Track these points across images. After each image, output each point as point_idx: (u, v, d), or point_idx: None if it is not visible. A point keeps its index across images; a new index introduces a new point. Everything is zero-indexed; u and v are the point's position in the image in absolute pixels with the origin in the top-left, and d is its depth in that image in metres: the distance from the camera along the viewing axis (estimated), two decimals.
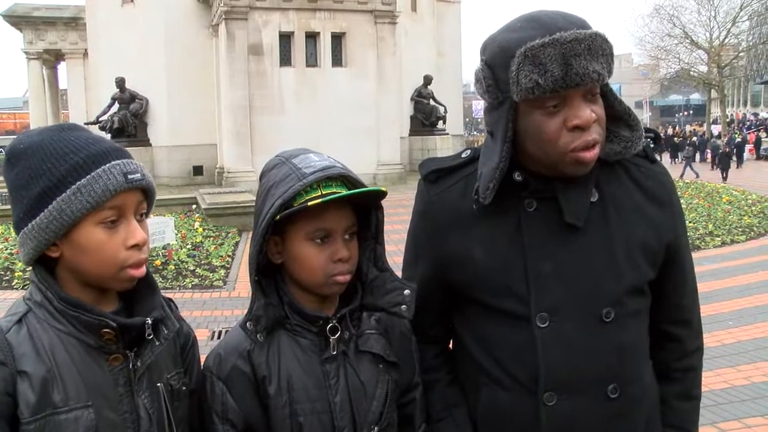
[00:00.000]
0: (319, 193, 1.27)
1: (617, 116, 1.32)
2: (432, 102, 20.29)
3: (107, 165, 1.15)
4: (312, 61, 16.88)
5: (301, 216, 1.28)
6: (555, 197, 1.30)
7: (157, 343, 1.23)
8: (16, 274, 7.99)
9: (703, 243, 9.89)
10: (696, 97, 60.80)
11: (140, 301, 1.25)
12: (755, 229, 11.00)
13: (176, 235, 9.53)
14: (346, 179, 1.31)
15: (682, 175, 20.99)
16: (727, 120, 41.69)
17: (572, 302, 1.30)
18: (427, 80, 20.16)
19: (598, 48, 1.18)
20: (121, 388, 1.19)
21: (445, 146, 19.34)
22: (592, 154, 1.23)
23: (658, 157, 1.47)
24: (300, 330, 1.34)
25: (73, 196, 1.12)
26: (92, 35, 20.89)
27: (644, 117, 60.37)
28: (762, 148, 31.84)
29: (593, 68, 1.18)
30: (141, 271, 1.20)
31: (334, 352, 1.33)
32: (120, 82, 17.86)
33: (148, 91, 18.20)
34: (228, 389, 1.32)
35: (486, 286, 1.34)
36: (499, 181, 1.27)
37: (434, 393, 1.46)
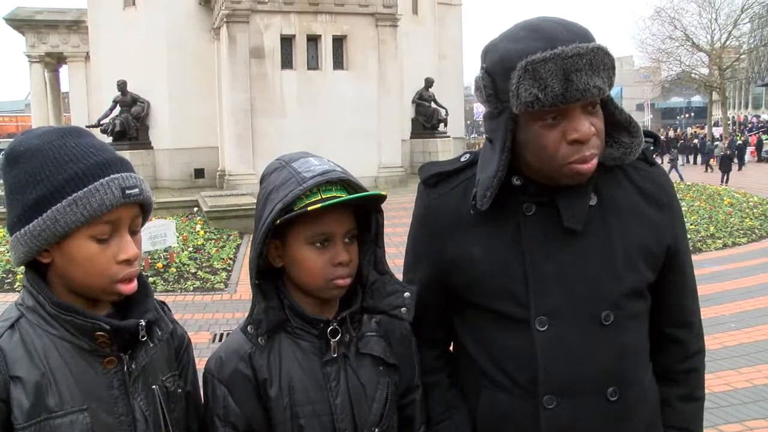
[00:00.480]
0: (319, 198, 1.27)
1: (618, 124, 1.32)
2: (433, 105, 20.28)
3: (106, 179, 1.13)
4: (313, 64, 16.88)
5: (301, 220, 1.28)
6: (554, 201, 1.30)
7: (151, 345, 1.23)
8: (18, 277, 8.00)
9: (704, 245, 9.88)
10: (697, 100, 60.77)
11: (134, 304, 1.24)
12: (757, 231, 10.99)
13: (177, 237, 9.53)
14: (346, 183, 1.31)
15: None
16: (729, 122, 41.65)
17: (571, 305, 1.30)
18: (429, 83, 20.15)
19: (600, 63, 1.18)
20: (116, 391, 1.19)
21: (446, 149, 19.33)
22: (589, 167, 1.23)
23: (658, 160, 1.47)
24: (301, 333, 1.34)
25: (68, 208, 1.11)
26: (94, 38, 20.91)
27: (645, 119, 60.36)
28: (763, 150, 31.83)
29: (594, 83, 1.17)
30: (131, 287, 1.19)
31: (335, 355, 1.34)
32: (121, 85, 17.87)
33: (149, 94, 18.21)
34: (229, 392, 1.33)
35: (485, 290, 1.35)
36: (496, 190, 1.28)
37: (434, 395, 1.46)
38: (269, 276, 1.36)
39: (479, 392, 1.39)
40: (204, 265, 8.88)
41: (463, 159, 1.44)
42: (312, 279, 1.32)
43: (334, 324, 1.34)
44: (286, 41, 16.58)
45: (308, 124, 16.07)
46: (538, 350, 1.30)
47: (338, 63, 17.05)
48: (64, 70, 29.88)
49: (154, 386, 1.24)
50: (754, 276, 7.92)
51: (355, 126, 16.46)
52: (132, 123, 18.02)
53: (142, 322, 1.20)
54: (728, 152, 23.11)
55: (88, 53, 23.52)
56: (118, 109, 18.13)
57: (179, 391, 1.31)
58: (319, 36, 16.72)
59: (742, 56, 40.45)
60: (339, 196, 1.28)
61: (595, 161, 1.24)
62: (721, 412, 4.10)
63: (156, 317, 1.24)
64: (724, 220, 11.75)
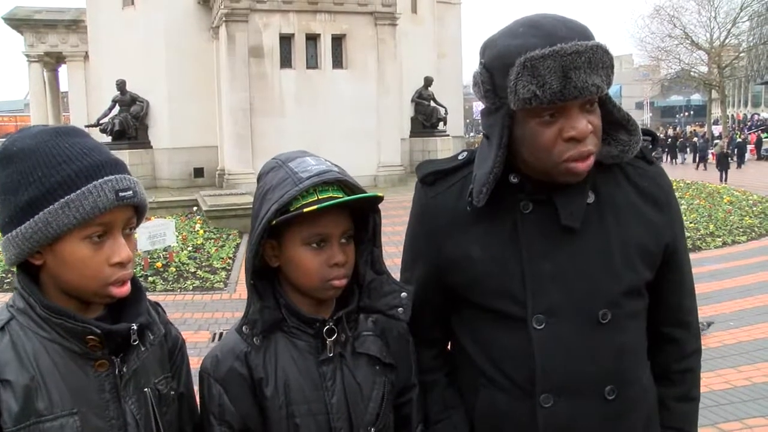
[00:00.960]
0: (316, 198, 1.27)
1: (616, 122, 1.32)
2: (432, 103, 20.28)
3: (99, 181, 1.12)
4: (312, 63, 16.87)
5: (297, 221, 1.27)
6: (551, 199, 1.30)
7: (143, 349, 1.21)
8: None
9: (704, 244, 9.88)
10: (696, 98, 60.72)
11: (126, 307, 1.22)
12: (756, 229, 10.99)
13: (177, 237, 9.53)
14: (343, 183, 1.30)
15: None
16: (728, 121, 41.67)
17: (569, 304, 1.30)
18: (428, 82, 20.15)
19: (599, 61, 1.17)
20: (107, 394, 1.17)
21: (445, 147, 19.32)
22: (585, 165, 1.23)
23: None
24: (297, 332, 1.34)
25: (60, 210, 1.10)
26: (93, 38, 20.90)
27: (645, 118, 60.36)
28: (763, 148, 31.82)
29: (592, 81, 1.17)
30: (124, 290, 1.17)
31: (331, 354, 1.33)
32: (121, 85, 17.86)
33: (148, 93, 18.20)
34: (225, 391, 1.32)
35: (483, 288, 1.35)
36: (492, 186, 1.28)
37: (432, 394, 1.46)
38: (265, 276, 1.35)
39: (477, 391, 1.39)
40: (203, 264, 8.88)
41: (460, 157, 1.44)
42: (308, 279, 1.32)
43: (330, 323, 1.33)
44: (285, 40, 16.57)
45: (307, 123, 16.07)
46: (535, 349, 1.30)
47: (337, 62, 17.04)
48: (63, 70, 29.87)
49: (145, 389, 1.23)
50: (754, 274, 7.92)
51: (354, 125, 16.45)
52: (131, 122, 18.01)
53: (134, 326, 1.18)
54: (726, 150, 23.09)
55: (87, 53, 23.50)
56: (117, 108, 18.12)
57: (172, 393, 1.30)
58: (318, 35, 16.72)
59: (742, 54, 40.41)
60: (335, 197, 1.27)
61: (591, 160, 1.24)
62: (721, 411, 4.10)
63: (148, 321, 1.23)
64: (723, 218, 11.75)
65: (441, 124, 20.45)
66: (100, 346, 1.16)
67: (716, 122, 40.79)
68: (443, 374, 1.48)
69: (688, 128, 46.42)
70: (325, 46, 16.78)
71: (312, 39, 16.79)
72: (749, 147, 31.43)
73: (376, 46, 17.16)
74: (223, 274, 8.43)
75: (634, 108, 60.31)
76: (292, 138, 14.37)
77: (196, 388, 1.39)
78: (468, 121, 61.37)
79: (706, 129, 38.04)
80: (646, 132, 1.40)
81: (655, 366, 1.44)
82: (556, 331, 1.30)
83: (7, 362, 1.11)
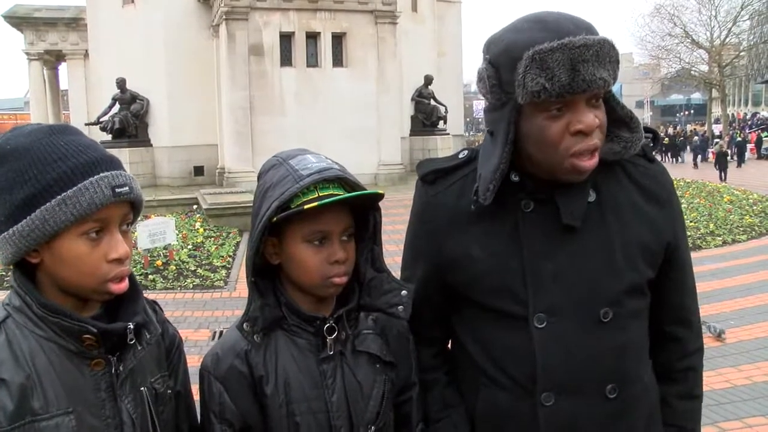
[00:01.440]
0: (316, 195, 1.26)
1: (618, 119, 1.32)
2: (433, 102, 20.27)
3: (95, 177, 1.11)
4: (312, 61, 16.86)
5: (297, 218, 1.27)
6: (552, 198, 1.30)
7: (139, 348, 1.21)
8: None
9: (704, 243, 9.88)
10: (697, 97, 60.73)
11: (123, 305, 1.22)
12: (756, 228, 10.99)
13: (177, 235, 9.53)
14: (344, 181, 1.30)
15: None
16: (728, 120, 41.66)
17: (570, 303, 1.30)
18: (428, 80, 20.14)
19: (606, 55, 1.18)
20: (104, 393, 1.17)
21: (445, 146, 19.32)
22: (591, 163, 1.23)
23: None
24: (297, 330, 1.34)
25: (57, 207, 1.09)
26: (93, 36, 20.89)
27: (645, 117, 60.36)
28: (763, 147, 31.80)
29: (600, 75, 1.17)
30: (122, 287, 1.17)
31: (331, 352, 1.33)
32: (121, 83, 17.85)
33: (148, 91, 18.19)
34: (225, 389, 1.32)
35: (484, 287, 1.34)
36: (499, 182, 1.27)
37: (433, 393, 1.46)
38: (266, 273, 1.35)
39: (478, 390, 1.38)
40: (203, 262, 8.88)
41: (461, 156, 1.43)
42: (309, 277, 1.32)
43: (331, 322, 1.33)
44: (286, 38, 16.56)
45: (307, 121, 16.07)
46: (537, 347, 1.29)
47: (337, 60, 17.03)
48: (63, 68, 29.84)
49: (142, 388, 1.23)
50: (754, 273, 7.92)
51: (354, 123, 16.45)
52: (131, 121, 18.01)
53: (131, 326, 1.18)
54: (725, 149, 23.10)
55: (87, 51, 23.49)
56: (117, 106, 18.12)
57: (168, 392, 1.30)
58: (319, 33, 16.71)
59: (742, 53, 40.44)
60: (336, 194, 1.27)
61: (596, 159, 1.24)
62: (721, 410, 4.10)
63: (145, 320, 1.22)
64: (723, 217, 11.75)
65: (441, 122, 20.45)
66: (97, 345, 1.15)
67: (717, 121, 40.78)
68: (443, 373, 1.48)
69: (689, 127, 46.40)
70: (326, 45, 16.77)
71: (312, 37, 16.78)
72: (749, 146, 31.42)
73: (376, 44, 17.15)
74: (223, 272, 8.43)
75: (635, 106, 60.28)
76: (292, 136, 14.38)
77: (195, 386, 1.39)
78: (468, 119, 61.38)
79: (706, 128, 38.03)
80: (647, 130, 1.40)
81: (657, 365, 1.43)
82: (558, 329, 1.29)
83: (3, 361, 1.11)
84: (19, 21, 27.71)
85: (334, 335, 1.33)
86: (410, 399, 1.44)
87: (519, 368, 1.32)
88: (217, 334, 5.89)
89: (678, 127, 46.48)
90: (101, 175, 1.12)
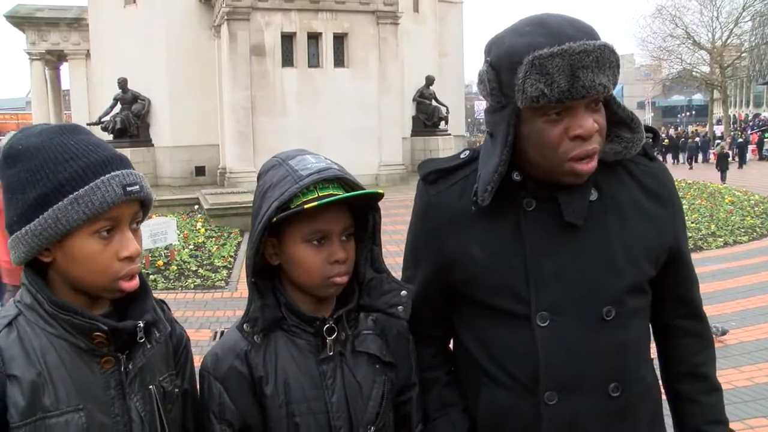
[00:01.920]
0: (316, 196, 1.27)
1: (619, 120, 1.32)
2: (434, 102, 20.26)
3: (106, 176, 1.13)
4: (314, 61, 16.86)
5: (297, 218, 1.27)
6: (554, 197, 1.30)
7: (149, 346, 1.22)
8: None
9: (705, 244, 9.87)
10: (698, 98, 60.70)
11: (132, 304, 1.23)
12: (758, 229, 10.98)
13: (178, 235, 9.53)
14: (343, 181, 1.30)
15: None
16: (730, 121, 41.65)
17: (572, 301, 1.30)
18: (429, 81, 20.13)
19: (606, 60, 1.18)
20: (113, 391, 1.18)
21: (447, 147, 19.31)
22: (589, 167, 1.23)
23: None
24: (297, 331, 1.34)
25: (69, 206, 1.10)
26: (95, 36, 20.90)
27: (646, 118, 60.26)
28: (764, 148, 31.80)
29: (599, 81, 1.17)
30: (133, 284, 1.18)
31: (331, 353, 1.33)
32: (122, 83, 17.86)
33: (150, 91, 18.20)
34: (225, 389, 1.32)
35: (486, 286, 1.34)
36: (497, 184, 1.27)
37: (432, 392, 1.46)
38: (266, 274, 1.35)
39: (479, 389, 1.39)
40: (205, 262, 8.88)
41: (462, 156, 1.44)
42: (309, 277, 1.32)
43: (330, 322, 1.33)
44: (287, 39, 16.56)
45: (309, 121, 16.07)
46: (539, 346, 1.29)
47: (339, 61, 17.03)
48: (64, 68, 29.86)
49: (150, 386, 1.24)
50: (756, 274, 7.91)
51: (355, 124, 16.44)
52: (133, 120, 18.01)
53: (141, 324, 1.19)
54: (726, 151, 23.11)
55: (88, 51, 23.51)
56: (118, 106, 18.12)
57: (176, 390, 1.31)
58: (320, 34, 16.71)
59: (744, 54, 40.40)
60: (336, 194, 1.27)
61: (595, 162, 1.24)
62: None
63: (154, 318, 1.24)
64: (725, 218, 11.74)
65: (442, 123, 20.43)
66: (107, 342, 1.17)
67: (719, 122, 40.76)
68: (444, 372, 1.48)
69: (690, 128, 46.37)
70: (327, 45, 16.77)
71: (314, 38, 16.78)
72: (751, 147, 31.41)
73: (377, 44, 17.15)
74: (225, 272, 8.43)
75: (636, 107, 60.21)
76: (293, 136, 14.38)
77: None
78: (469, 120, 61.38)
79: (707, 129, 38.02)
80: (648, 129, 1.41)
81: (676, 363, 1.44)
82: (560, 328, 1.29)
83: (14, 357, 1.12)
84: (21, 21, 27.73)
85: (334, 336, 1.33)
86: (410, 399, 1.44)
87: (521, 367, 1.32)
88: (219, 335, 5.89)
89: (679, 128, 46.46)
90: (112, 174, 1.13)
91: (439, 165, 1.43)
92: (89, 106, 24.17)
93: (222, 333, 5.88)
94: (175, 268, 8.46)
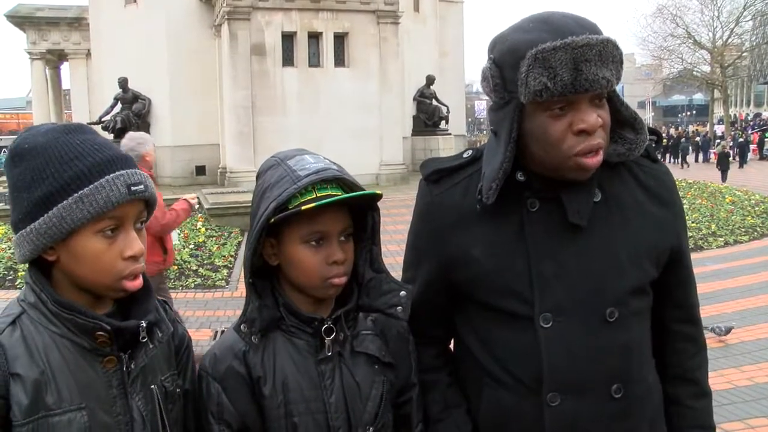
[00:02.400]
0: (314, 196, 1.26)
1: (623, 120, 1.31)
2: (434, 102, 20.26)
3: (111, 175, 1.13)
4: (314, 61, 16.86)
5: (295, 219, 1.27)
6: (558, 197, 1.30)
7: (151, 346, 1.23)
8: (19, 274, 8.01)
9: (706, 243, 9.87)
10: (699, 98, 60.70)
11: (135, 304, 1.24)
12: (758, 229, 10.97)
13: (179, 235, 9.50)
14: (342, 181, 1.30)
15: None
16: (730, 120, 41.63)
17: (576, 302, 1.30)
18: (430, 80, 20.13)
19: (609, 54, 1.18)
20: (115, 390, 1.18)
21: (447, 146, 19.30)
22: (595, 161, 1.23)
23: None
24: (295, 331, 1.34)
25: (74, 205, 1.11)
26: (95, 35, 20.90)
27: (647, 117, 60.25)
28: (765, 148, 31.78)
29: (603, 75, 1.17)
30: (137, 284, 1.19)
31: (329, 353, 1.33)
32: (123, 82, 17.87)
33: (150, 91, 18.20)
34: (223, 389, 1.32)
35: (489, 287, 1.34)
36: (502, 181, 1.27)
37: (434, 393, 1.45)
38: (265, 274, 1.35)
39: (481, 390, 1.38)
40: (205, 262, 8.88)
41: (465, 155, 1.43)
42: (307, 278, 1.32)
43: (329, 322, 1.33)
44: (288, 38, 16.56)
45: (309, 121, 16.06)
46: (543, 347, 1.29)
47: (339, 60, 17.02)
48: (65, 68, 29.86)
49: (152, 386, 1.24)
50: (756, 274, 7.91)
51: (356, 123, 16.44)
52: (133, 120, 18.01)
53: (143, 324, 1.20)
54: (727, 150, 23.12)
55: (89, 50, 23.51)
56: (119, 106, 18.13)
57: (178, 390, 1.31)
58: (321, 33, 16.70)
59: (744, 54, 40.39)
60: (334, 195, 1.27)
61: (600, 156, 1.24)
62: (723, 411, 4.09)
63: (157, 318, 1.24)
64: (725, 217, 11.74)
65: (443, 122, 20.43)
66: (110, 342, 1.17)
67: (720, 122, 40.76)
68: (445, 373, 1.47)
69: (691, 127, 46.36)
70: (328, 45, 16.76)
71: (314, 37, 16.78)
72: (752, 147, 31.39)
73: (378, 44, 17.14)
74: (225, 272, 8.44)
75: (637, 107, 60.05)
76: (294, 136, 14.37)
77: None
78: (470, 119, 61.35)
79: (708, 129, 38.00)
80: (651, 131, 1.40)
81: (667, 366, 1.44)
82: (564, 329, 1.29)
83: (18, 356, 1.12)
84: (22, 20, 27.73)
85: (332, 336, 1.33)
86: (410, 400, 1.44)
87: (524, 368, 1.32)
88: (219, 334, 5.88)
89: (680, 128, 46.43)
90: (117, 173, 1.14)
91: (441, 164, 1.43)
92: (90, 105, 24.17)
93: (222, 332, 5.88)
94: (176, 267, 8.45)
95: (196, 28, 18.30)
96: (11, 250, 8.94)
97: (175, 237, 8.85)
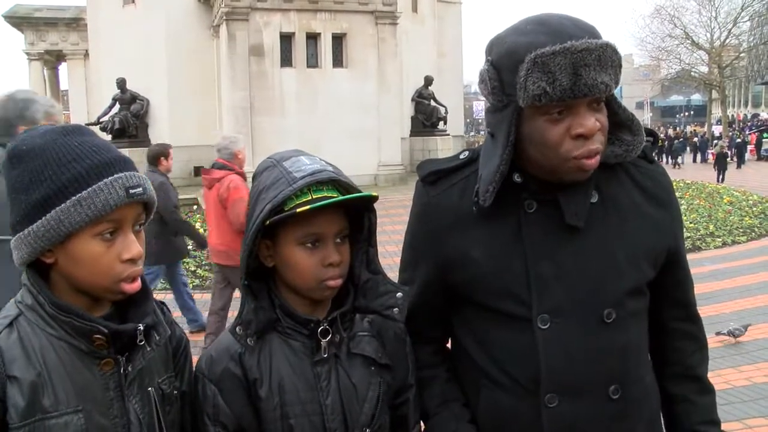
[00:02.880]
0: (310, 198, 1.26)
1: (620, 122, 1.32)
2: (433, 103, 20.27)
3: (110, 178, 1.13)
4: (313, 62, 16.87)
5: (291, 221, 1.27)
6: (555, 199, 1.30)
7: (148, 349, 1.22)
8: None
9: (703, 244, 9.88)
10: (697, 98, 60.75)
11: (133, 306, 1.23)
12: (756, 229, 10.99)
13: None
14: (337, 183, 1.30)
15: None
16: (728, 121, 41.69)
17: (573, 303, 1.30)
18: (428, 81, 20.14)
19: (608, 59, 1.17)
20: (112, 393, 1.18)
21: (445, 147, 19.32)
22: (593, 162, 1.23)
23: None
24: (291, 332, 1.33)
25: (72, 208, 1.10)
26: (93, 36, 20.90)
27: (645, 118, 60.33)
28: (763, 149, 31.82)
29: (601, 79, 1.17)
30: (135, 286, 1.18)
31: (326, 355, 1.33)
32: (121, 83, 17.86)
33: (149, 91, 18.20)
34: (219, 391, 1.32)
35: (486, 288, 1.34)
36: (499, 184, 1.27)
37: (432, 389, 1.45)
38: (261, 276, 1.35)
39: (479, 392, 1.38)
40: (203, 263, 8.87)
41: (462, 156, 1.43)
42: (303, 280, 1.31)
43: (325, 324, 1.33)
44: (286, 39, 16.57)
45: (308, 122, 16.07)
46: (540, 349, 1.29)
47: (338, 61, 17.03)
48: (63, 68, 29.88)
49: (149, 388, 1.24)
50: (754, 274, 7.92)
51: (354, 124, 16.45)
52: (131, 121, 18.01)
53: (141, 327, 1.20)
54: (724, 151, 23.17)
55: (87, 51, 23.52)
56: (117, 106, 18.12)
57: (175, 392, 1.31)
58: (319, 34, 16.71)
59: (742, 54, 40.45)
60: (330, 197, 1.27)
61: (598, 157, 1.24)
62: (721, 411, 4.05)
63: (155, 321, 1.24)
64: (723, 218, 11.75)
65: (441, 123, 20.44)
66: (107, 345, 1.17)
67: (718, 122, 40.81)
68: (443, 369, 1.47)
69: (688, 128, 46.39)
70: (326, 45, 16.77)
71: (312, 38, 16.78)
72: (749, 147, 31.44)
73: (376, 45, 17.15)
74: None
75: (635, 108, 60.28)
76: (292, 137, 14.38)
77: None
78: (468, 120, 61.37)
79: (706, 129, 38.06)
80: (648, 132, 1.40)
81: (670, 365, 1.45)
82: (561, 330, 1.29)
83: (15, 358, 1.12)
84: (20, 21, 27.72)
85: (328, 338, 1.33)
86: (407, 401, 1.44)
87: (521, 369, 1.32)
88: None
89: (678, 129, 46.48)
90: (115, 176, 1.13)
91: (438, 166, 1.43)
92: (88, 106, 24.17)
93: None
94: None
95: (195, 29, 18.31)
96: None
97: None
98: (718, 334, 5.42)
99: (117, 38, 18.94)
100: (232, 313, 6.55)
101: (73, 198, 1.10)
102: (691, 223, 11.04)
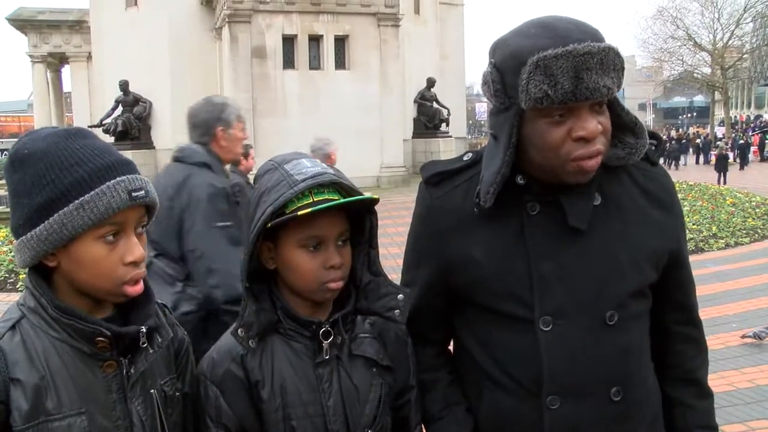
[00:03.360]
0: (311, 201, 1.26)
1: (623, 125, 1.32)
2: (435, 104, 20.29)
3: (112, 181, 1.13)
4: (315, 63, 16.89)
5: (292, 223, 1.27)
6: (558, 200, 1.30)
7: (151, 351, 1.22)
8: (20, 277, 8.01)
9: (706, 245, 9.85)
10: (700, 99, 60.74)
11: (135, 308, 1.23)
12: (759, 231, 10.96)
13: None
14: (339, 185, 1.30)
15: None
16: (730, 122, 41.65)
17: (576, 305, 1.30)
18: (431, 83, 20.16)
19: (610, 62, 1.18)
20: (115, 395, 1.18)
21: (448, 149, 19.33)
22: (593, 163, 1.23)
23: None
24: (293, 334, 1.34)
25: (75, 212, 1.10)
26: (96, 38, 20.96)
27: (648, 119, 60.26)
28: (766, 150, 31.79)
29: (604, 83, 1.17)
30: (137, 289, 1.18)
31: (327, 357, 1.33)
32: (124, 85, 17.91)
33: (151, 94, 18.25)
34: (221, 393, 1.32)
35: (489, 290, 1.34)
36: (500, 186, 1.27)
37: (435, 392, 1.45)
38: (262, 278, 1.35)
39: (481, 393, 1.38)
40: None
41: (465, 158, 1.43)
42: (304, 282, 1.32)
43: (327, 326, 1.33)
44: (288, 41, 16.60)
45: (310, 123, 16.05)
46: (543, 350, 1.29)
47: (340, 63, 17.06)
48: (66, 70, 29.96)
49: (152, 390, 1.24)
50: (757, 276, 7.89)
51: (357, 126, 16.46)
52: (134, 123, 18.06)
53: (143, 329, 1.20)
54: (725, 152, 23.15)
55: (90, 53, 23.58)
56: (120, 109, 18.17)
57: (177, 394, 1.31)
58: (321, 36, 16.74)
59: (745, 56, 40.42)
60: (331, 199, 1.27)
61: (599, 159, 1.24)
62: (724, 413, 4.08)
63: (157, 324, 1.24)
64: (726, 219, 11.73)
65: (443, 125, 20.46)
66: (109, 347, 1.17)
67: (721, 123, 40.78)
68: (446, 372, 1.47)
69: (691, 129, 46.36)
70: (328, 47, 16.80)
71: (315, 40, 16.81)
72: (752, 148, 31.40)
73: (378, 47, 17.17)
74: None
75: (637, 109, 60.26)
76: (294, 138, 14.32)
77: None
78: (471, 122, 61.36)
79: (708, 130, 38.02)
80: (651, 135, 1.40)
81: (670, 368, 1.44)
82: (564, 332, 1.29)
83: (18, 361, 1.12)
84: (23, 23, 27.80)
85: (330, 339, 1.33)
86: (408, 402, 1.44)
87: (524, 371, 1.32)
88: None
89: (680, 130, 46.44)
90: (118, 179, 1.13)
91: (442, 167, 1.43)
92: (91, 108, 24.22)
93: None
94: None
95: (197, 31, 18.35)
96: (12, 253, 8.94)
97: None
98: (743, 337, 5.42)
99: (120, 41, 18.99)
100: None
101: (76, 201, 1.11)
102: (693, 224, 11.01)
